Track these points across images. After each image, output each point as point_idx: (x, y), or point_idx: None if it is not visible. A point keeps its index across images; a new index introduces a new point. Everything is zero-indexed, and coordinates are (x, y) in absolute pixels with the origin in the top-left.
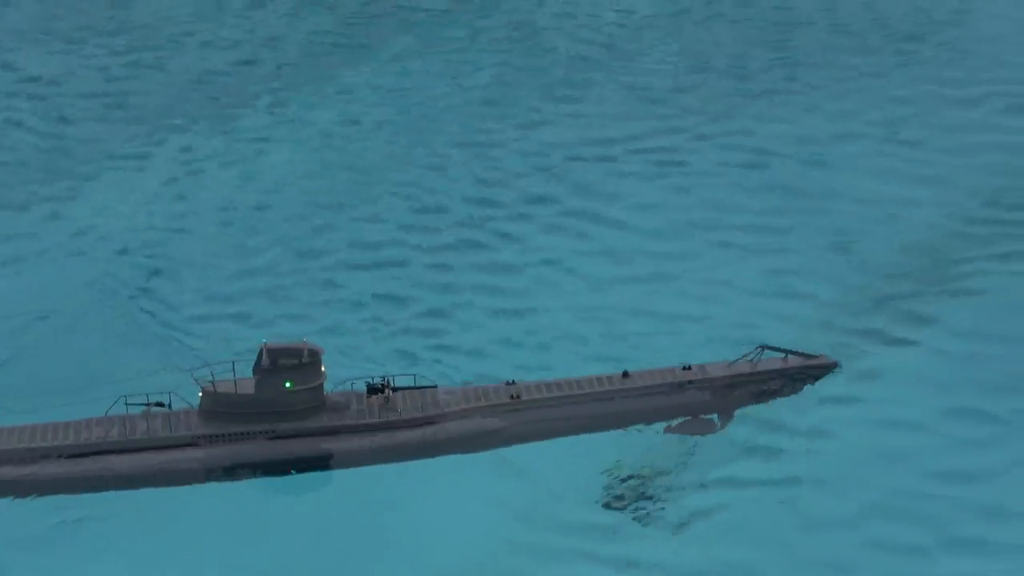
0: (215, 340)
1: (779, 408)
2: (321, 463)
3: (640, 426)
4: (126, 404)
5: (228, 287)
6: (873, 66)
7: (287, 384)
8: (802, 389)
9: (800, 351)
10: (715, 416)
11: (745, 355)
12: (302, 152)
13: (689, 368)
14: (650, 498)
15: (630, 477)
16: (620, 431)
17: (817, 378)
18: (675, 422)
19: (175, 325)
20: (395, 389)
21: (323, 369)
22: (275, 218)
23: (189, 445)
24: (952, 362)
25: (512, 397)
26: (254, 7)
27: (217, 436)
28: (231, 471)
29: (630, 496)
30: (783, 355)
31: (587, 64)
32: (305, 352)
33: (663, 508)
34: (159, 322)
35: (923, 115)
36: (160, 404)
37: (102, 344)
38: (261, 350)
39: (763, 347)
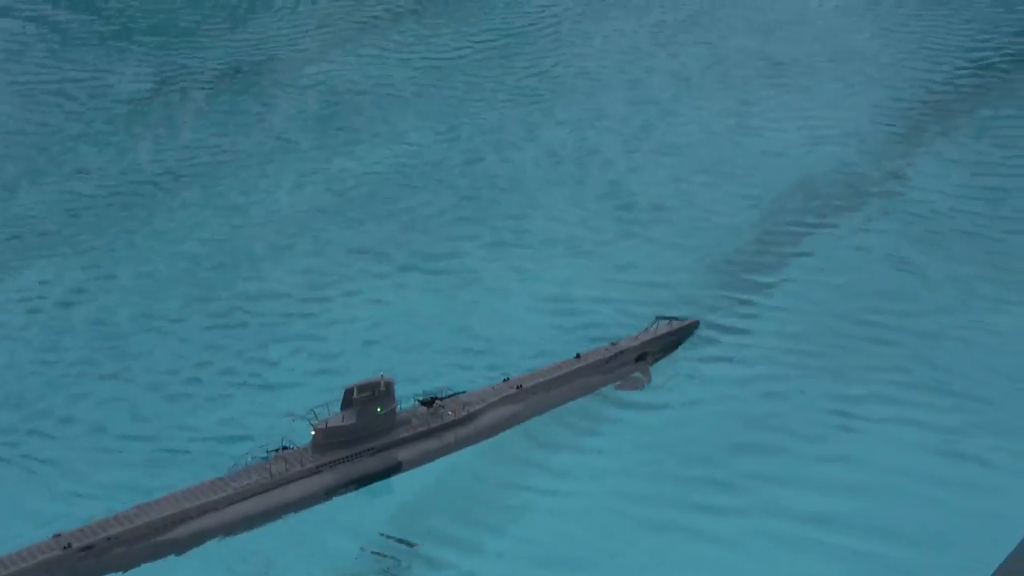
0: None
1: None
2: (400, 467)
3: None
4: (266, 453)
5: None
6: None
7: (379, 409)
8: (678, 346)
9: (677, 317)
10: (640, 373)
11: (647, 327)
12: None
13: (615, 343)
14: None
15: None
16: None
17: (688, 335)
18: (618, 383)
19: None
20: (438, 399)
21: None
22: None
23: (314, 474)
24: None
25: (517, 387)
26: None
27: (333, 462)
28: (345, 487)
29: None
30: (668, 321)
31: None
32: (382, 383)
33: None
34: None
35: None
36: (285, 448)
37: None
38: (351, 389)
39: (659, 317)
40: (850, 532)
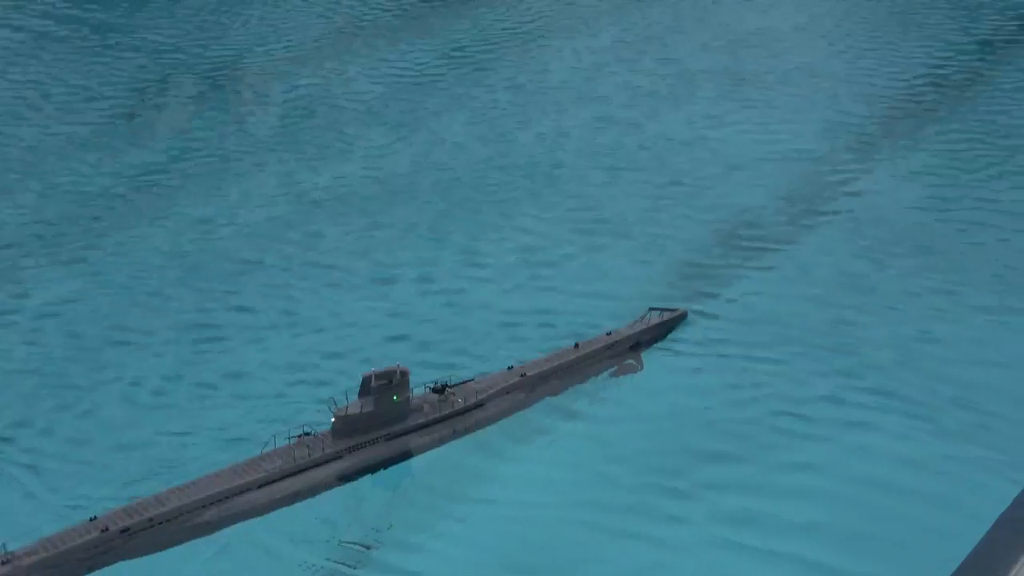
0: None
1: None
2: (411, 454)
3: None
4: (288, 438)
5: None
6: None
7: (395, 397)
8: (668, 335)
9: (668, 307)
10: (633, 361)
11: (641, 316)
12: None
13: (610, 333)
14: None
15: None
16: None
17: (678, 324)
18: (614, 368)
19: None
20: (448, 387)
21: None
22: None
23: (334, 459)
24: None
25: (521, 375)
26: None
27: (353, 447)
28: (361, 472)
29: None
30: (660, 311)
31: None
32: (398, 372)
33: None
34: None
35: None
36: (307, 433)
37: None
38: (369, 376)
39: (651, 308)
40: (807, 541)
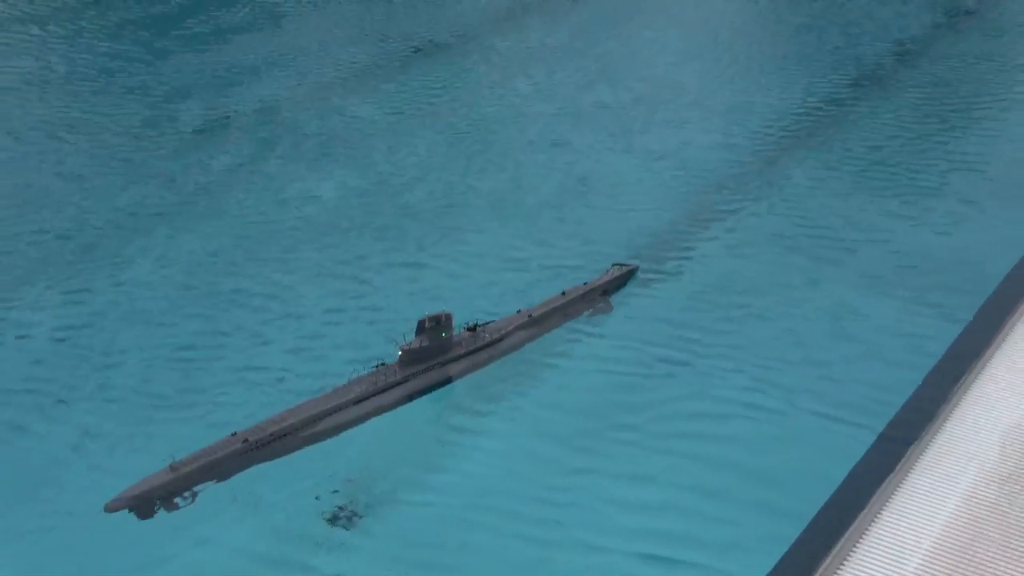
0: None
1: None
2: (451, 379)
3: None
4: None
5: None
6: None
7: (443, 335)
8: (627, 283)
9: (626, 263)
10: (604, 304)
11: (607, 271)
12: None
13: (587, 283)
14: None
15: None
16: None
17: (633, 276)
18: (591, 309)
19: None
20: (478, 326)
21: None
22: None
23: (402, 383)
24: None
25: (529, 316)
26: None
27: (414, 374)
28: (421, 392)
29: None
30: (621, 266)
31: None
32: (444, 316)
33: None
34: None
35: None
36: (382, 364)
37: None
38: (424, 320)
39: (615, 264)
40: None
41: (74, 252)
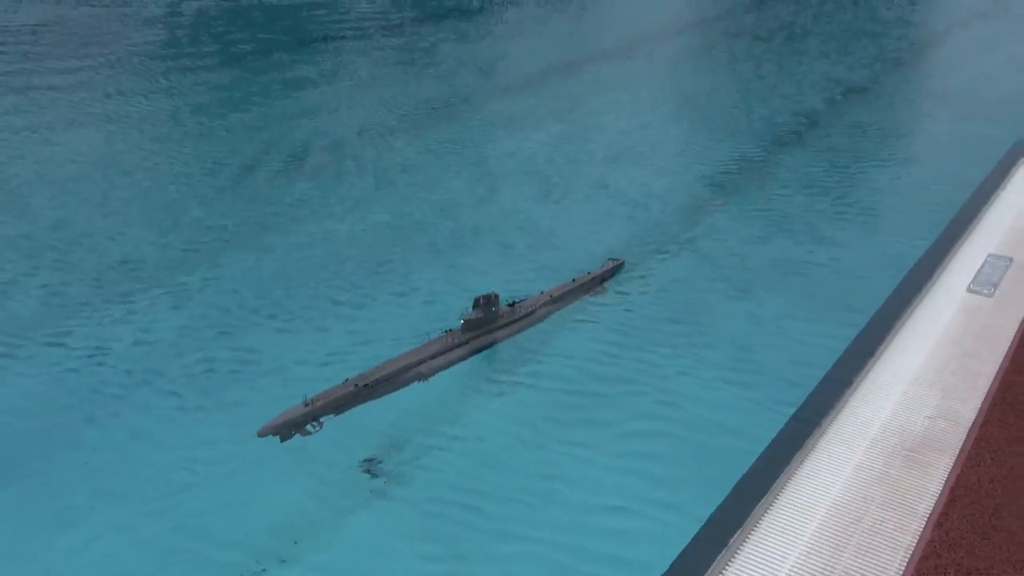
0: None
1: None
2: (496, 342)
3: (583, 296)
4: (444, 332)
5: None
6: None
7: (493, 309)
8: (616, 274)
9: (616, 258)
10: (600, 288)
11: (603, 264)
12: None
13: (589, 272)
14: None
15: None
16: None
17: (622, 268)
18: (591, 292)
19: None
20: (517, 302)
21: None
22: None
23: (464, 344)
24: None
25: (550, 296)
26: None
27: (473, 337)
28: (476, 351)
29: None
30: (613, 260)
31: None
32: (493, 295)
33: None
34: None
35: None
36: (450, 330)
37: None
38: (479, 297)
39: (610, 259)
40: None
41: (217, 247)
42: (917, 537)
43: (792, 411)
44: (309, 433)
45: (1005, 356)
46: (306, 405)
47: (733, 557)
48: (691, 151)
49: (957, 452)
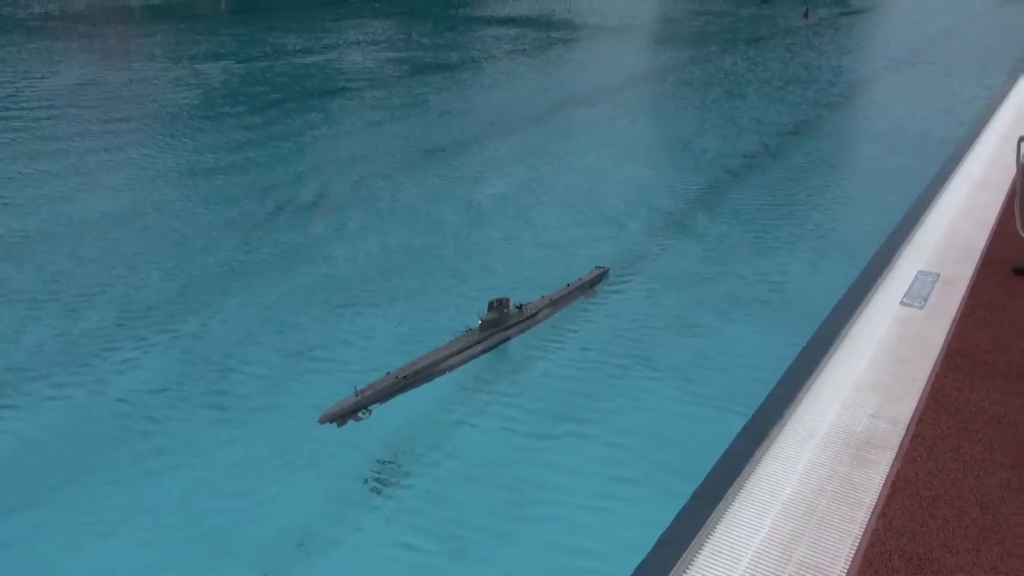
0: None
1: None
2: (508, 339)
3: (579, 298)
4: (466, 330)
5: None
6: None
7: (505, 310)
8: (603, 279)
9: (602, 265)
10: (591, 291)
11: (591, 271)
12: None
13: (580, 278)
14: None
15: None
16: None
17: (606, 274)
18: (584, 295)
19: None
20: (524, 305)
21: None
22: None
23: (481, 342)
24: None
25: (550, 299)
26: None
27: (487, 336)
28: (490, 348)
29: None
30: (599, 267)
31: None
32: (504, 299)
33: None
34: None
35: None
36: (471, 329)
37: None
38: (493, 300)
39: (597, 266)
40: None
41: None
42: (864, 527)
43: (748, 416)
44: (360, 419)
45: (936, 362)
46: (357, 395)
47: (696, 554)
48: (643, 189)
49: (896, 448)
